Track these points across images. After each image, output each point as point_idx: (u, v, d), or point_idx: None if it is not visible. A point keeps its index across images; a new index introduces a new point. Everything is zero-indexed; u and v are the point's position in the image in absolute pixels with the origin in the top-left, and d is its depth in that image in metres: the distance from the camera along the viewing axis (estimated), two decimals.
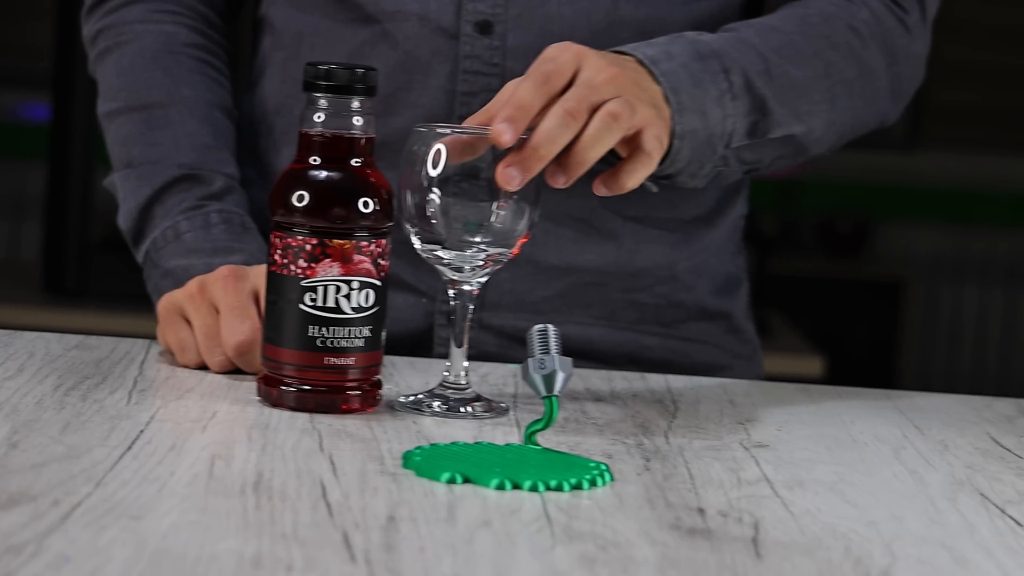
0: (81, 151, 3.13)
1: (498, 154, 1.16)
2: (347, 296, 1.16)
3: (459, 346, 1.21)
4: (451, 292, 1.21)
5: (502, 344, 1.44)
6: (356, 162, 1.17)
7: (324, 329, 1.16)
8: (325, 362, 1.16)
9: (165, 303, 1.32)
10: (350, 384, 1.17)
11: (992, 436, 1.27)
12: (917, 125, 5.61)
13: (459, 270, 1.19)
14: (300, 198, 1.16)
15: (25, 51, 5.33)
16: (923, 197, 5.68)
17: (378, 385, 1.20)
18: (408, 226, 1.18)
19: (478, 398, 1.21)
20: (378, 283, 1.17)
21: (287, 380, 1.17)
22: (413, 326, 1.44)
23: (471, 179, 1.16)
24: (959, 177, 5.64)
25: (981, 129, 5.62)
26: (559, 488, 1.02)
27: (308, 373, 1.16)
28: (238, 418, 1.14)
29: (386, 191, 1.18)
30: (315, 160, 1.17)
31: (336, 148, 1.17)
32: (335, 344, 1.16)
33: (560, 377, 1.08)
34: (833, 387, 1.42)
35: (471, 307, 1.21)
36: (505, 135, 1.15)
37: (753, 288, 3.82)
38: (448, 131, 1.17)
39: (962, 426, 1.30)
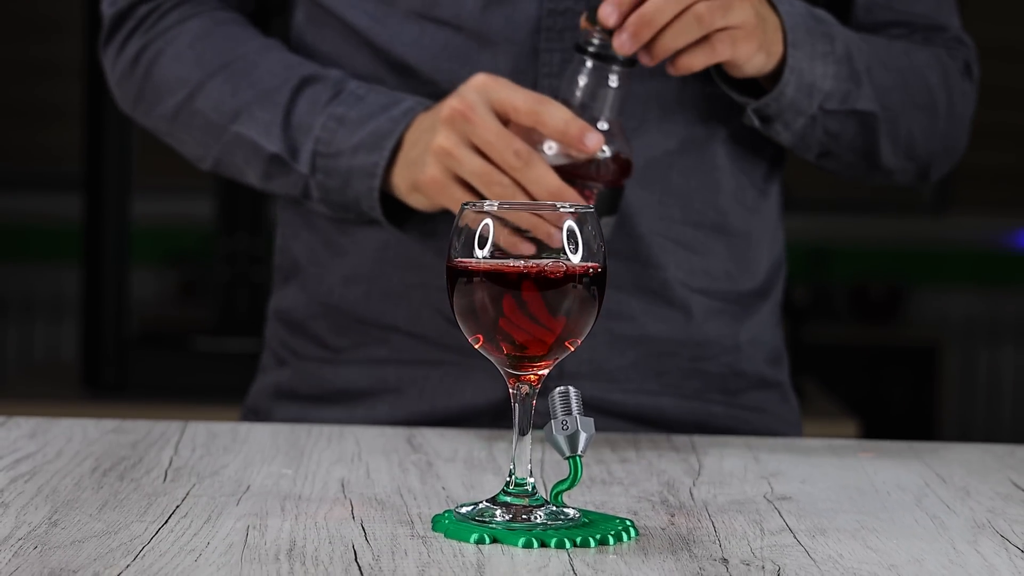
0: (113, 250, 3.18)
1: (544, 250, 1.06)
2: None
3: (522, 436, 1.10)
4: (511, 389, 1.10)
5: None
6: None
7: None
8: None
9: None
10: None
11: (1014, 481, 1.29)
12: (946, 188, 5.63)
13: (515, 367, 1.09)
14: None
15: (54, 155, 5.40)
16: (955, 260, 5.69)
17: None
18: (461, 321, 1.08)
19: (544, 503, 1.09)
20: None
21: None
22: (495, 396, 1.47)
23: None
24: (990, 239, 5.65)
25: (1009, 189, 5.64)
26: (585, 544, 1.04)
27: None
28: (271, 491, 1.16)
29: None
30: None
31: None
32: None
33: (583, 437, 1.10)
34: (857, 440, 1.44)
35: (533, 403, 1.10)
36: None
37: (789, 357, 3.81)
38: (496, 207, 1.06)
39: (984, 473, 1.31)
